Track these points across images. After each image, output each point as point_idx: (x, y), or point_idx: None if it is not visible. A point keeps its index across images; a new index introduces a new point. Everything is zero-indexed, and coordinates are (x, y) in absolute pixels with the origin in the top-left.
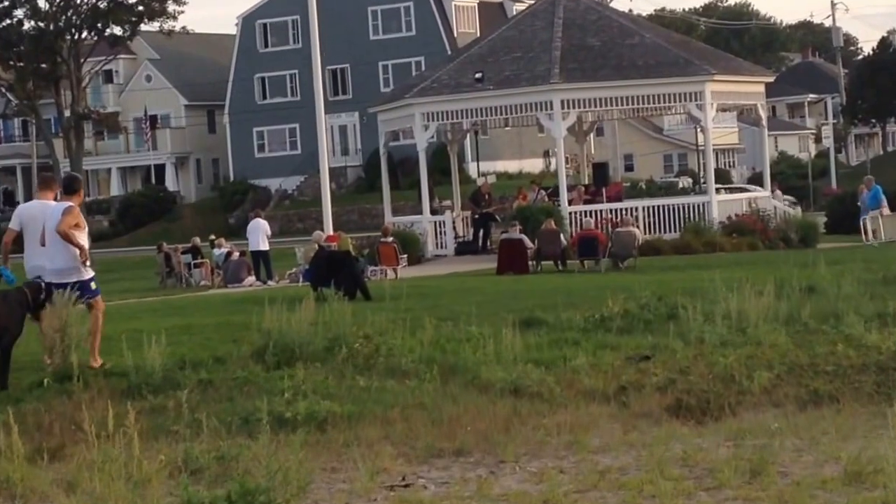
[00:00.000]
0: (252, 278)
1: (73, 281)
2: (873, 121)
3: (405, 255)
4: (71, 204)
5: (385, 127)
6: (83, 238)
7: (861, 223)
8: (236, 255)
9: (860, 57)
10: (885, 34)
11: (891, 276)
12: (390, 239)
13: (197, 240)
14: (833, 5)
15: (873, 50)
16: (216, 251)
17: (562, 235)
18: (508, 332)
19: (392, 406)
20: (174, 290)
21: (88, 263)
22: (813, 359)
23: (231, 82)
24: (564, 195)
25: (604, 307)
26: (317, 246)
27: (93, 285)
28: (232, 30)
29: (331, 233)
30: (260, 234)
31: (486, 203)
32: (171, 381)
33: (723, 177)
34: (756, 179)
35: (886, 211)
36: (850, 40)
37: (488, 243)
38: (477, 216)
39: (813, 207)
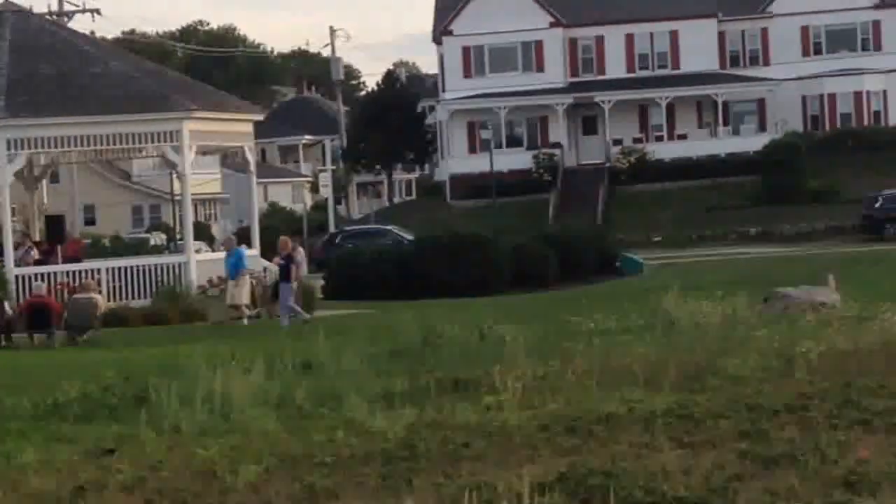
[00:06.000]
0: None
1: None
2: (378, 167)
3: None
4: None
5: None
6: None
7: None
8: None
9: (363, 93)
10: (392, 67)
11: (398, 348)
12: None
13: None
14: (332, 32)
15: (378, 85)
16: None
17: (6, 303)
18: None
19: None
20: None
21: None
22: (308, 448)
23: None
24: (10, 254)
25: (58, 391)
26: None
27: None
28: None
29: None
30: None
31: None
32: None
33: (203, 231)
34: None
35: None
36: (352, 73)
37: None
38: None
39: (308, 269)
